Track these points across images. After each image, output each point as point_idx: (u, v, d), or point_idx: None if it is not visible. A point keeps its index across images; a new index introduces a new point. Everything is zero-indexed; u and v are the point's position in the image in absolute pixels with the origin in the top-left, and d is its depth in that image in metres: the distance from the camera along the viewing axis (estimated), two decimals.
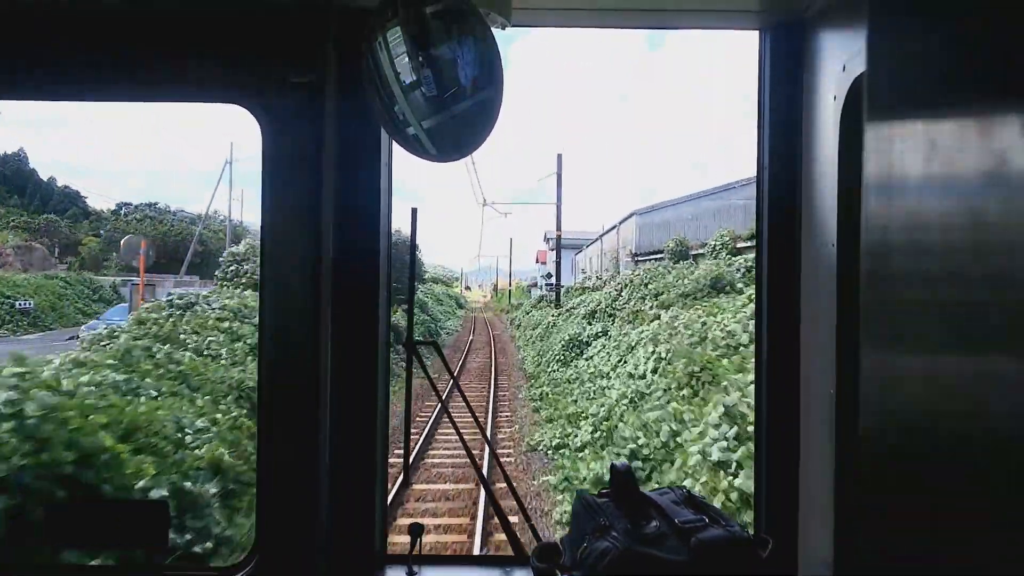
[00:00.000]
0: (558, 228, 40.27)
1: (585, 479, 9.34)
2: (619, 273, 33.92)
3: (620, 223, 41.61)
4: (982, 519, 0.74)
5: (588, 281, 39.19)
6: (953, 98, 0.81)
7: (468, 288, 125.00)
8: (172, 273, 39.68)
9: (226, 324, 13.26)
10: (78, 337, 16.87)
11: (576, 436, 11.77)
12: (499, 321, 55.19)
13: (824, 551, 1.74)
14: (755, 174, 2.07)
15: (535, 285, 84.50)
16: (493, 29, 1.73)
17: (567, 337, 20.75)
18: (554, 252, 71.23)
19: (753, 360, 2.11)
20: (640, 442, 9.27)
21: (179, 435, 6.62)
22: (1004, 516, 0.70)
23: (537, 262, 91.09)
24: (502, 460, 8.55)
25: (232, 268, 21.35)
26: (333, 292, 1.95)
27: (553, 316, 29.12)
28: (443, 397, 2.36)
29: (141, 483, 5.08)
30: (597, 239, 53.41)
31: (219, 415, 7.99)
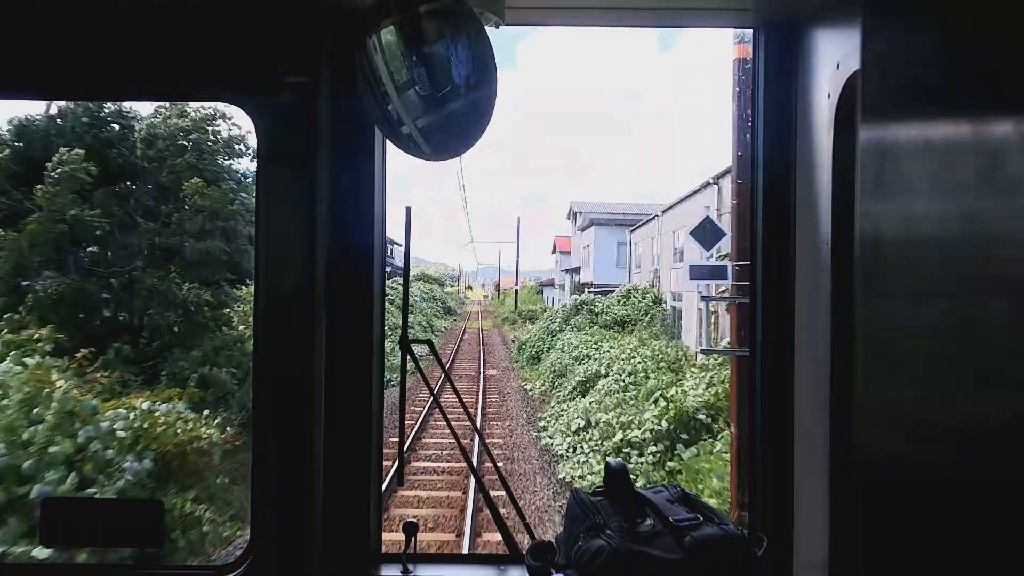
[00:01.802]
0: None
1: None
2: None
3: None
4: (977, 519, 0.74)
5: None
6: (947, 96, 0.81)
7: (470, 287, 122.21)
8: None
9: None
10: None
11: None
12: (499, 342, 32.94)
13: (818, 550, 1.74)
14: (748, 172, 2.05)
15: (550, 284, 64.10)
16: (487, 28, 1.73)
17: None
18: (584, 233, 43.89)
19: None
20: None
21: None
22: (999, 516, 0.70)
23: (555, 251, 64.65)
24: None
25: None
26: (327, 291, 1.95)
27: None
28: (436, 394, 2.36)
29: None
30: (699, 190, 23.74)
31: None
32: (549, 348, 23.09)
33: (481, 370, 22.42)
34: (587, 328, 23.45)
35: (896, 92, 0.91)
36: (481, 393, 17.96)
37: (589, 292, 33.49)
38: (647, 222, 34.51)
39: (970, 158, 0.75)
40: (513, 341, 29.58)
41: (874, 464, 0.93)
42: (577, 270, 46.86)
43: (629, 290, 27.74)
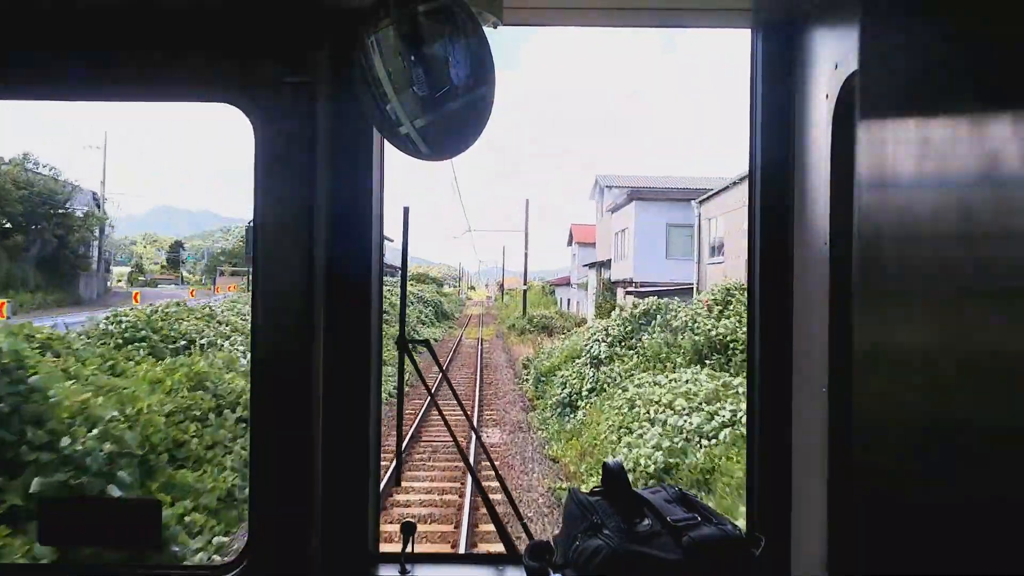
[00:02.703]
0: None
1: None
2: None
3: None
4: (975, 518, 0.74)
5: None
6: (945, 96, 0.81)
7: (473, 288, 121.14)
8: None
9: None
10: None
11: None
12: (503, 362, 24.24)
13: (817, 549, 1.74)
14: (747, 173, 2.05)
15: (564, 283, 54.14)
16: (485, 28, 1.73)
17: None
18: (618, 215, 32.47)
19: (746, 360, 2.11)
20: None
21: None
22: (998, 515, 0.69)
23: (572, 243, 53.43)
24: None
25: None
26: (326, 292, 1.95)
27: None
28: (433, 393, 2.38)
29: None
30: None
31: None
32: (593, 390, 13.82)
33: (473, 433, 10.18)
34: (671, 358, 13.47)
35: (894, 92, 0.91)
36: (465, 539, 7.97)
37: (627, 293, 25.34)
38: (708, 199, 22.12)
39: (969, 158, 0.75)
40: (525, 367, 20.54)
41: (873, 464, 0.93)
42: (606, 264, 35.88)
43: (727, 290, 16.88)
